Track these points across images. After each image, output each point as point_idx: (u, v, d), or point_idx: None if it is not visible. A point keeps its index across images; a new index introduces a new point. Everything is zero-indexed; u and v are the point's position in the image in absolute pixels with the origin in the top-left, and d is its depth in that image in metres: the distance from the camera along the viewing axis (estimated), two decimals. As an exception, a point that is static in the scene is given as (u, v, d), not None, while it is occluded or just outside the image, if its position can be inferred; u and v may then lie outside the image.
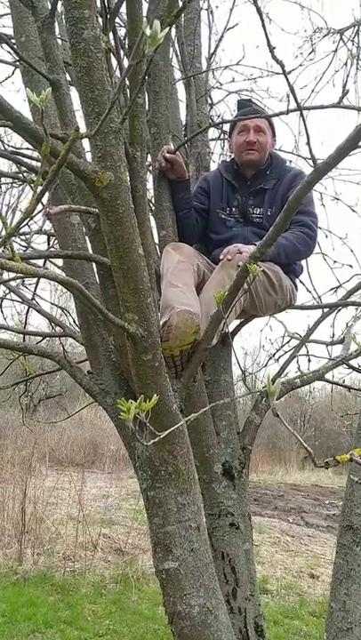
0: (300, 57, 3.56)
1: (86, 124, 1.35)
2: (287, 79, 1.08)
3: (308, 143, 1.20)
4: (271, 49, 1.04)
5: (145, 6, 1.73)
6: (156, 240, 2.12)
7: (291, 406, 15.90)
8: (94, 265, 1.75)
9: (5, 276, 2.12)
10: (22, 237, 2.26)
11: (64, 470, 8.25)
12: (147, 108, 2.07)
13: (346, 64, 3.04)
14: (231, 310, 1.72)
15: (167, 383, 1.54)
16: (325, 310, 2.22)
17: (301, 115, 1.32)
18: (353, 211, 3.02)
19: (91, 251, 1.74)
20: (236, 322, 2.29)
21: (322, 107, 1.55)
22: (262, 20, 1.05)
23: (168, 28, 0.88)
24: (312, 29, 3.45)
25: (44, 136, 0.90)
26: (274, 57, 1.05)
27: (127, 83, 1.55)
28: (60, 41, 1.85)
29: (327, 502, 9.46)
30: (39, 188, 0.90)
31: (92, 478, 8.91)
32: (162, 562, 1.56)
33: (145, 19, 1.31)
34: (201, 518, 1.61)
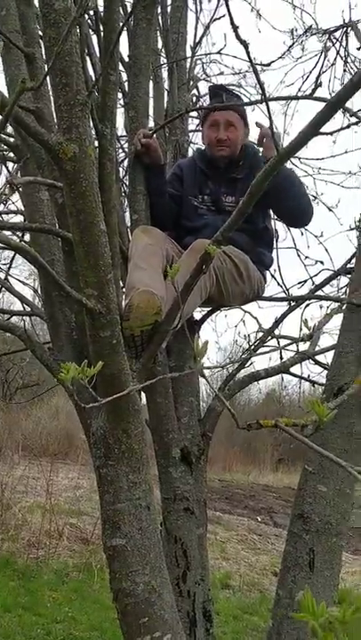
0: (287, 54, 3.57)
1: (54, 96, 1.35)
2: (250, 59, 1.09)
3: (270, 127, 1.22)
4: (235, 28, 1.05)
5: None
6: (129, 224, 2.13)
7: (268, 408, 15.96)
8: (61, 242, 1.75)
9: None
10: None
11: (37, 460, 8.19)
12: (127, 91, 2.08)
13: (334, 64, 3.06)
14: (195, 293, 1.73)
15: (125, 362, 1.54)
16: (292, 303, 2.24)
17: (267, 105, 1.32)
18: (330, 210, 3.05)
19: (57, 226, 1.73)
20: (204, 311, 2.30)
21: (292, 98, 1.57)
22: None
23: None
24: (303, 28, 3.47)
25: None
26: (237, 36, 1.06)
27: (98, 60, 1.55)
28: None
29: (297, 504, 9.51)
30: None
31: (65, 469, 8.84)
32: (110, 538, 1.57)
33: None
34: (151, 498, 1.61)
